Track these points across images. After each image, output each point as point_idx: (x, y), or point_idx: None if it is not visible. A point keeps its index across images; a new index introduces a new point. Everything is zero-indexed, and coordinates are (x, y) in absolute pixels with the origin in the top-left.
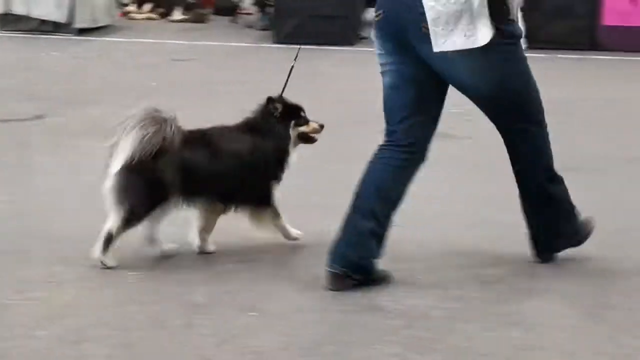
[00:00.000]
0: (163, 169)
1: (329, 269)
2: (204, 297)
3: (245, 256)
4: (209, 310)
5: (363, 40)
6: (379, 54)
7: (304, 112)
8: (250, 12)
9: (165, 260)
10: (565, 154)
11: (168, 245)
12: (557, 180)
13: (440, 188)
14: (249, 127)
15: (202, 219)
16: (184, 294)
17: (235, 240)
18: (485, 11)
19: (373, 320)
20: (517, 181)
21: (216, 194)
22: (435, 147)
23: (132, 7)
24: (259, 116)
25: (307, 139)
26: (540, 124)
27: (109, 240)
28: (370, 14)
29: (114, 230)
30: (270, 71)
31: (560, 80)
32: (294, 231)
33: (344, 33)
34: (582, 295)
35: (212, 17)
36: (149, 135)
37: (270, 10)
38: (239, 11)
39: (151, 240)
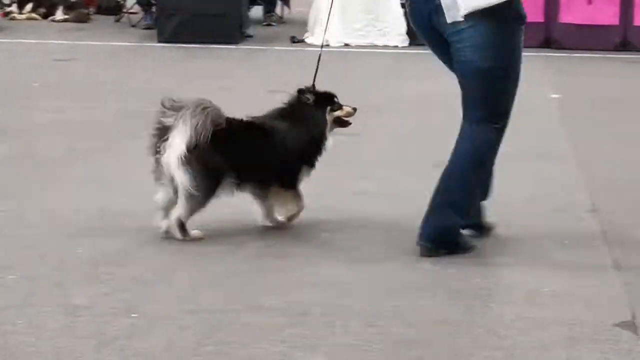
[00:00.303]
0: (218, 155)
1: (421, 243)
2: (83, 299)
3: (125, 258)
4: (89, 312)
5: (248, 39)
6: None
7: (337, 98)
8: (134, 11)
9: (45, 262)
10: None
11: (194, 232)
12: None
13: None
14: (286, 115)
15: (259, 203)
16: (62, 296)
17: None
18: None
19: (256, 319)
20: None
21: (260, 178)
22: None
23: (13, 8)
24: (295, 105)
25: (342, 122)
26: (503, 121)
27: (182, 226)
28: (256, 11)
29: (182, 217)
30: (154, 70)
31: (442, 76)
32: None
33: (229, 31)
34: (464, 291)
35: (95, 16)
36: (202, 122)
37: (154, 9)
38: (123, 10)
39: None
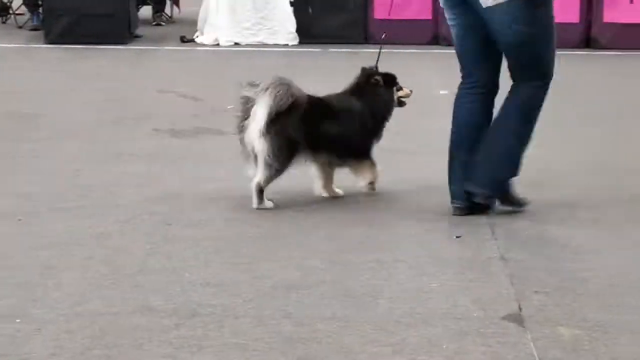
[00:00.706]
0: (296, 128)
1: (454, 205)
2: None
3: (9, 260)
4: None
5: (137, 39)
6: (446, 11)
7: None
8: (20, 12)
9: None
10: None
11: (267, 203)
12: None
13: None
14: (358, 94)
15: (322, 172)
16: None
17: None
18: None
19: (143, 321)
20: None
21: (334, 149)
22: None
23: None
24: (365, 85)
25: (400, 102)
26: (546, 80)
27: (260, 191)
28: (145, 11)
29: (262, 183)
30: (42, 72)
31: (334, 73)
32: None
33: (117, 31)
34: (353, 288)
35: None
36: (280, 94)
37: (41, 10)
38: (9, 12)
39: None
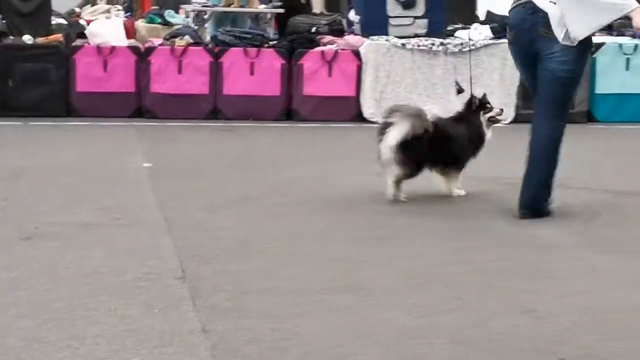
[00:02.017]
0: (423, 144)
1: (521, 212)
2: None
3: None
4: None
5: None
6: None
7: (489, 103)
8: None
9: None
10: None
11: (403, 196)
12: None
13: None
14: (460, 118)
15: (443, 177)
16: None
17: None
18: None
19: None
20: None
21: (446, 163)
22: None
23: None
24: (466, 109)
25: (494, 121)
26: (564, 120)
27: (397, 185)
28: None
29: (399, 178)
30: None
31: (35, 147)
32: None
33: None
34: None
35: None
36: (417, 121)
37: None
38: None
39: (396, 195)
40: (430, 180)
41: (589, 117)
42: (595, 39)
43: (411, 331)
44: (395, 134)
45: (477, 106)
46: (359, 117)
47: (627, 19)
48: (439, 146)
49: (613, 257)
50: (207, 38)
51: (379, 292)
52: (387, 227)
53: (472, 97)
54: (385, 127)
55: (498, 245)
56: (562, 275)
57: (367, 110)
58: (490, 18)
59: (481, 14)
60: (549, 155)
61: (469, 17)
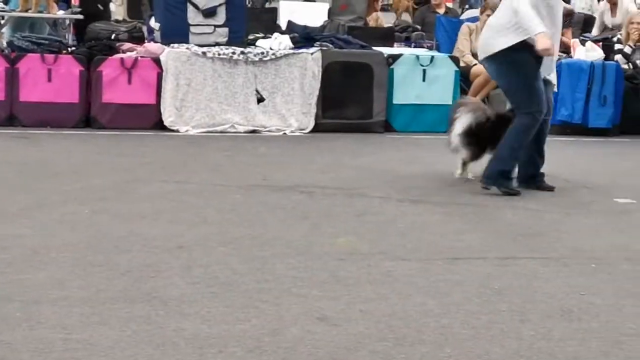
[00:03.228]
0: (485, 131)
1: (483, 180)
2: None
3: None
4: None
5: None
6: None
7: None
8: None
9: None
10: None
11: (471, 175)
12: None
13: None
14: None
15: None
16: None
17: None
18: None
19: None
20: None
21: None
22: None
23: None
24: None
25: None
26: (530, 114)
27: (464, 165)
28: None
29: (467, 160)
30: None
31: None
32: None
33: None
34: None
35: None
36: (479, 113)
37: None
38: None
39: (463, 174)
40: None
41: (387, 127)
42: (393, 51)
43: (207, 340)
44: (461, 124)
45: None
46: (160, 125)
47: (422, 31)
48: (499, 133)
49: (408, 264)
50: (4, 43)
51: (175, 301)
52: (185, 235)
53: None
54: (452, 120)
55: (297, 254)
56: (358, 282)
57: (168, 118)
58: (291, 28)
59: (282, 23)
60: (512, 140)
61: (270, 27)
